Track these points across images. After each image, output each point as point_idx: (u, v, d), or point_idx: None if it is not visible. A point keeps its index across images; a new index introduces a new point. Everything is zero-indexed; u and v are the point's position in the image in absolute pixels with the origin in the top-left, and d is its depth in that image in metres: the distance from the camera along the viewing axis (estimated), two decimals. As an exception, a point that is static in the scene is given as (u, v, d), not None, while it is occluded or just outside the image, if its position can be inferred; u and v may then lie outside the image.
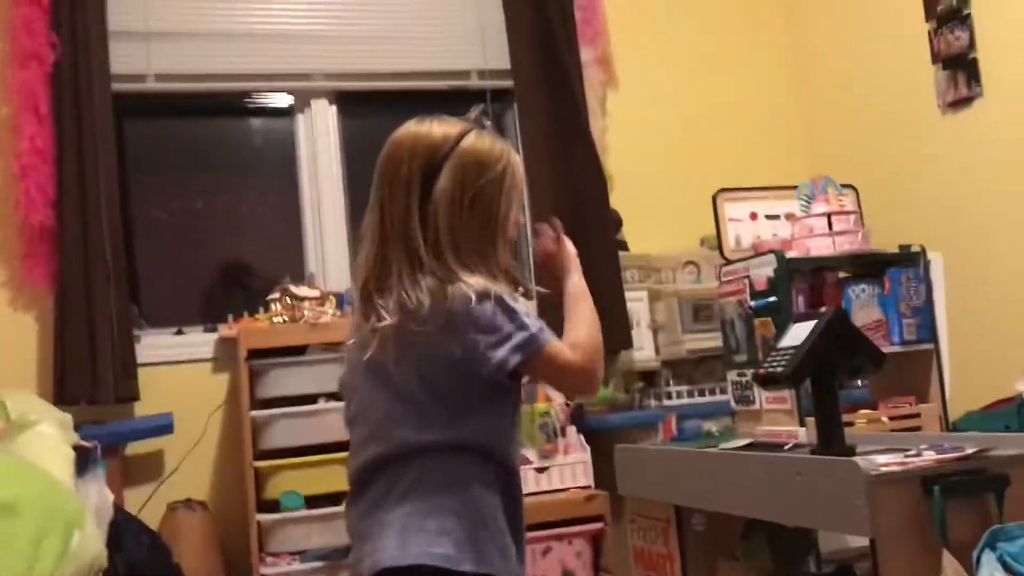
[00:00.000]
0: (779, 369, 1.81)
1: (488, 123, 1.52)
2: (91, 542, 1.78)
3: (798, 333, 1.85)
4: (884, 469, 1.61)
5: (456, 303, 1.38)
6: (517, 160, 1.51)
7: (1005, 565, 1.48)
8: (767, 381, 1.86)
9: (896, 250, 2.58)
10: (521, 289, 1.49)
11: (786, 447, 2.07)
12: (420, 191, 1.43)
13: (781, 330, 2.23)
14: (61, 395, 3.10)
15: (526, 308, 1.44)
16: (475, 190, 1.44)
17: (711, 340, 3.43)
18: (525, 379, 1.47)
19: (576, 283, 1.53)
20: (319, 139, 3.72)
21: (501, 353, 1.37)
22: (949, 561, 1.52)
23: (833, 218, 2.53)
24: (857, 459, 1.63)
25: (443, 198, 1.43)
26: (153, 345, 3.40)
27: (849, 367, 1.88)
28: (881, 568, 1.56)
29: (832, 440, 1.81)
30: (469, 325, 1.38)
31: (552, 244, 1.58)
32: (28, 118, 3.21)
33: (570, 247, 1.58)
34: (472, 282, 1.39)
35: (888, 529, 1.57)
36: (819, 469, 1.73)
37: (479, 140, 1.48)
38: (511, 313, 1.39)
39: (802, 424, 2.27)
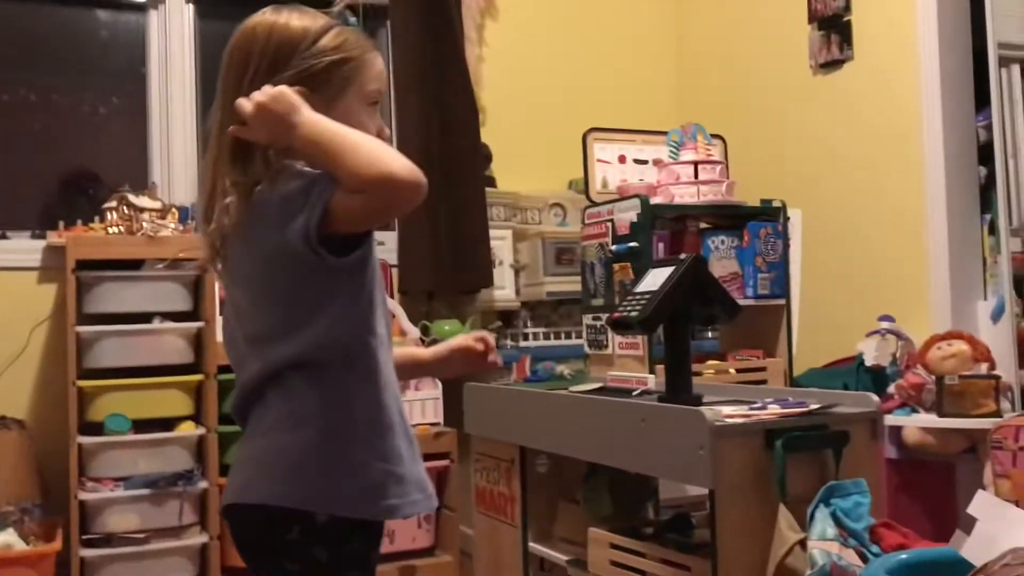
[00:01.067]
0: (633, 314, 1.77)
1: (353, 20, 1.34)
2: None
3: (655, 279, 1.80)
4: (728, 420, 1.59)
5: (260, 196, 1.24)
6: (377, 64, 1.34)
7: (837, 520, 1.49)
8: (620, 325, 1.81)
9: (758, 204, 2.59)
10: None
11: (635, 393, 2.05)
12: None
13: (639, 276, 2.19)
14: None
15: None
16: (323, 99, 1.27)
17: (571, 283, 3.41)
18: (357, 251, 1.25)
19: (306, 122, 1.22)
20: (173, 39, 3.45)
21: (304, 216, 1.19)
22: (784, 514, 1.52)
23: (700, 167, 2.50)
24: (703, 409, 1.61)
25: None
26: (-29, 248, 3.11)
27: (703, 316, 1.85)
28: (718, 519, 1.55)
29: (680, 388, 1.78)
30: (271, 207, 1.23)
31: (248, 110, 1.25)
32: None
33: (266, 92, 1.23)
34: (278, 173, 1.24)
35: (728, 480, 1.55)
36: (664, 417, 1.70)
37: (333, 38, 1.30)
38: (302, 174, 1.23)
39: (652, 371, 2.26)
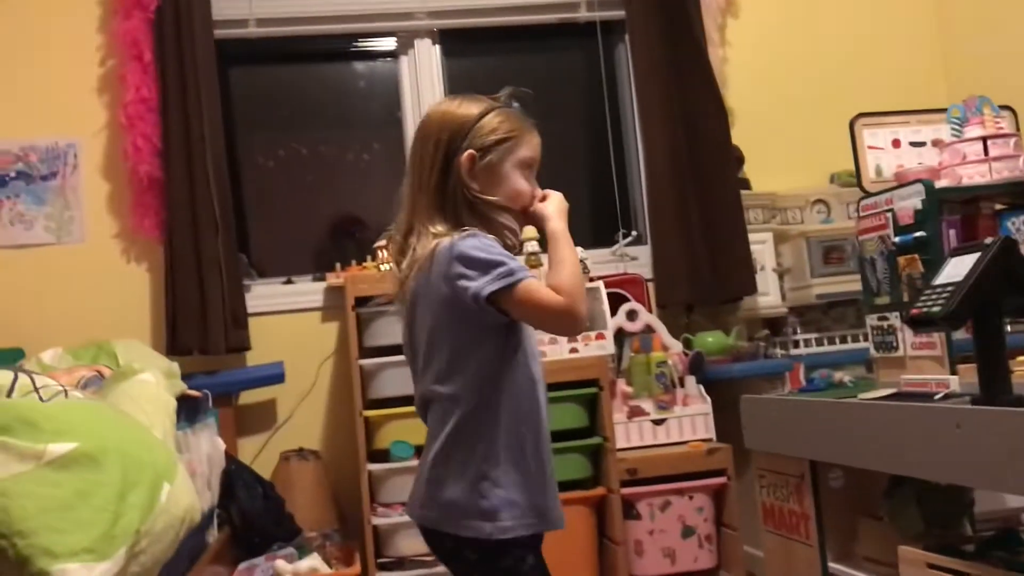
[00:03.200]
0: (935, 309, 1.60)
1: (516, 104, 1.63)
2: (183, 495, 1.71)
3: (957, 268, 1.63)
4: (1066, 422, 1.40)
5: (442, 245, 1.52)
6: (532, 139, 1.62)
7: None
8: (922, 322, 1.65)
9: (1062, 177, 2.29)
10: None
11: (937, 397, 1.86)
12: (443, 165, 1.58)
13: (930, 268, 2.00)
14: (173, 345, 3.12)
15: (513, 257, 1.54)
16: (486, 164, 1.58)
17: (843, 284, 3.21)
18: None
19: (555, 227, 1.61)
20: (423, 81, 3.60)
21: (478, 282, 1.47)
22: None
23: (989, 142, 2.25)
24: (1032, 410, 1.42)
25: (459, 172, 1.57)
26: (263, 295, 3.39)
27: (1018, 306, 1.64)
28: (1065, 535, 1.36)
29: (998, 388, 1.59)
30: (452, 261, 1.50)
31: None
32: (133, 67, 3.20)
33: (553, 195, 1.65)
34: (460, 232, 1.53)
35: (1073, 491, 1.36)
36: (983, 421, 1.52)
37: (494, 118, 1.59)
38: (491, 250, 1.51)
39: (953, 372, 2.04)
